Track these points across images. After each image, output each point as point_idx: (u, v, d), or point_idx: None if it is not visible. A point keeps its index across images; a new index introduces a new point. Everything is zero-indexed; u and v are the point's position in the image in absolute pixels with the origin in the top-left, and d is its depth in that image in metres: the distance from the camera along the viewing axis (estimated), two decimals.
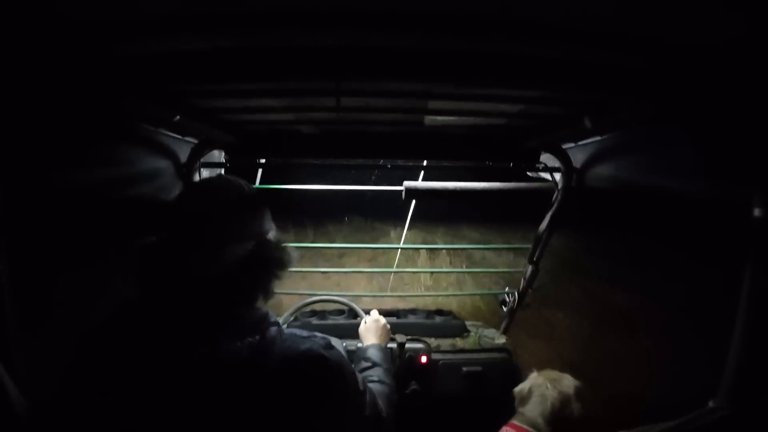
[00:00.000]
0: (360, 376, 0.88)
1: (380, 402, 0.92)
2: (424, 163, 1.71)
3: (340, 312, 2.08)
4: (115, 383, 0.68)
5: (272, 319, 0.78)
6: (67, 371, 0.71)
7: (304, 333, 0.79)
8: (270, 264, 0.80)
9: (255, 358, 0.70)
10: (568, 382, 1.42)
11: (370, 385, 0.98)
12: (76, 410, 0.69)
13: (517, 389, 1.48)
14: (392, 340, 1.88)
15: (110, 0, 0.61)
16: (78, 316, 0.89)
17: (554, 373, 1.46)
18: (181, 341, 0.69)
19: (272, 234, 0.83)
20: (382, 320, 1.42)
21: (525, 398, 1.42)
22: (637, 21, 0.66)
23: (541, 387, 1.41)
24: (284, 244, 0.84)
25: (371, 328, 1.38)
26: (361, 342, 1.37)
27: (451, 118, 1.35)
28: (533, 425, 1.33)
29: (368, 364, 1.15)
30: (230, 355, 0.69)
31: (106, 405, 0.67)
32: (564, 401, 1.37)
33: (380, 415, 0.89)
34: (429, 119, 1.37)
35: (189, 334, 0.69)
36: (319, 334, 0.81)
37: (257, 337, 0.72)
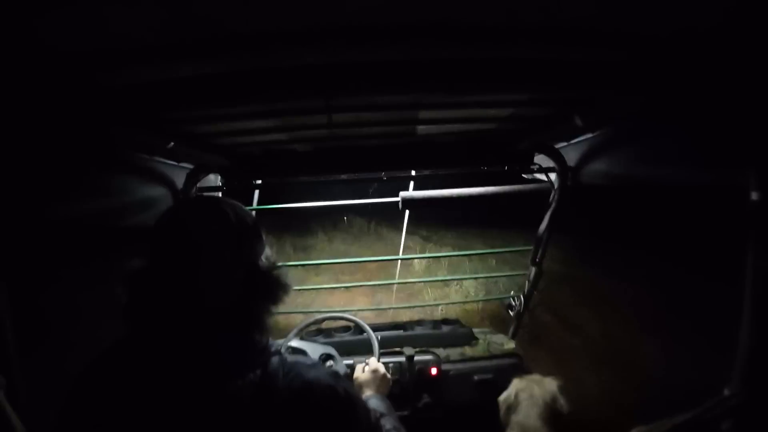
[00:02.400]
0: (372, 411, 0.83)
1: None
2: (413, 173, 1.71)
3: (346, 329, 2.06)
4: (113, 420, 0.65)
5: (273, 349, 0.73)
6: (65, 405, 0.69)
7: (308, 361, 0.74)
8: (265, 292, 0.74)
9: (259, 395, 0.65)
10: (550, 381, 1.42)
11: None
12: None
13: (501, 398, 1.46)
14: (400, 353, 1.86)
15: (97, 31, 0.61)
16: (75, 345, 0.89)
17: (534, 377, 1.46)
18: (179, 380, 0.65)
19: (265, 258, 0.77)
20: (381, 369, 1.30)
21: (513, 405, 1.41)
22: (616, 16, 0.67)
23: (527, 389, 1.40)
24: (278, 267, 0.78)
25: (369, 380, 1.25)
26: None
27: (442, 126, 1.36)
28: (533, 430, 1.32)
29: (376, 414, 1.01)
30: (232, 395, 0.64)
31: None
32: (552, 398, 1.37)
33: None
34: (421, 129, 1.38)
35: (187, 372, 0.66)
36: (324, 366, 0.76)
37: (258, 372, 0.67)
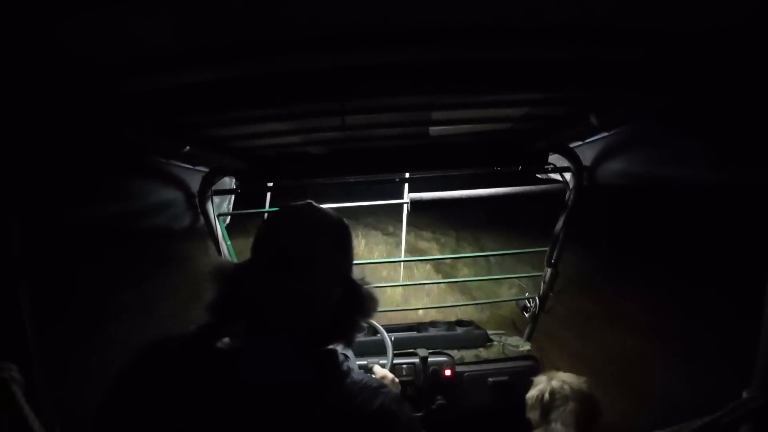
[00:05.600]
0: None
1: None
2: (407, 175, 1.70)
3: None
4: (168, 418, 0.63)
5: (346, 366, 0.73)
6: (115, 394, 0.67)
7: (374, 383, 0.72)
8: (359, 309, 0.74)
9: (333, 412, 0.65)
10: (581, 381, 1.34)
11: None
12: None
13: (532, 396, 1.36)
14: (414, 354, 1.86)
15: (118, 40, 0.63)
16: (95, 346, 0.91)
17: (562, 374, 1.38)
18: (255, 399, 0.64)
19: (354, 273, 0.77)
20: (389, 376, 1.30)
21: (547, 404, 1.30)
22: (636, 13, 0.66)
23: (562, 390, 1.30)
24: (369, 284, 0.77)
25: None
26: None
27: (456, 126, 1.35)
28: None
29: None
30: (312, 416, 0.64)
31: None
32: (590, 401, 1.29)
33: None
34: (434, 130, 1.37)
35: (265, 391, 0.65)
36: (387, 387, 0.73)
37: (334, 392, 0.67)
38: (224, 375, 0.65)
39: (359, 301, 0.74)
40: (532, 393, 1.37)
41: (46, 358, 0.85)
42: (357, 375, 0.72)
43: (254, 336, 0.68)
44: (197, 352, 0.68)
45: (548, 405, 1.31)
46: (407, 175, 1.68)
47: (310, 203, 0.75)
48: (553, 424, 1.27)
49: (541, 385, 1.36)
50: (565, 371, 1.40)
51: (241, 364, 0.66)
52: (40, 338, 0.84)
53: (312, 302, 0.68)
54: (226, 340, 0.68)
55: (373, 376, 1.29)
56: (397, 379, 1.30)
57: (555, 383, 1.34)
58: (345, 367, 0.72)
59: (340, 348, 0.75)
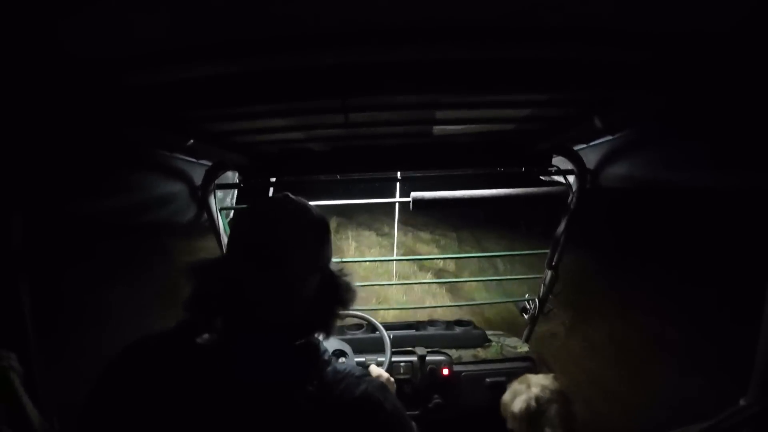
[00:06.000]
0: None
1: None
2: (398, 174, 1.70)
3: (359, 326, 2.07)
4: (153, 414, 0.63)
5: (327, 356, 0.74)
6: (98, 388, 0.68)
7: (357, 371, 0.73)
8: (337, 298, 0.75)
9: (316, 406, 0.65)
10: (551, 380, 1.34)
11: None
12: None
13: (522, 409, 1.31)
14: (412, 352, 1.86)
15: (119, 35, 0.63)
16: (94, 338, 0.92)
17: (533, 378, 1.37)
18: (237, 389, 0.64)
19: (333, 262, 0.78)
20: (384, 375, 1.29)
21: (536, 416, 1.27)
22: (640, 14, 0.65)
23: (544, 394, 1.29)
24: (347, 273, 0.78)
25: None
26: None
27: (459, 126, 1.35)
28: None
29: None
30: (292, 405, 0.64)
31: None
32: (568, 399, 1.30)
33: None
34: (437, 129, 1.37)
35: (248, 382, 0.65)
36: (370, 376, 0.74)
37: (315, 383, 0.67)
38: (204, 372, 0.65)
39: (337, 291, 0.75)
40: (520, 406, 1.32)
41: (45, 348, 0.86)
42: (340, 365, 0.72)
43: (233, 331, 0.68)
44: (178, 349, 0.67)
45: (535, 414, 1.29)
46: (398, 174, 1.68)
47: (287, 195, 0.75)
48: (546, 430, 1.26)
49: (524, 396, 1.34)
50: (561, 373, 1.39)
51: (222, 360, 0.66)
52: (39, 328, 0.84)
53: (289, 292, 0.69)
54: (206, 336, 0.68)
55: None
56: (392, 379, 1.30)
57: (535, 390, 1.32)
58: (326, 357, 0.73)
59: (321, 338, 0.76)
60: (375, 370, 1.32)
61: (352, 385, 0.69)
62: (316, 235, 0.73)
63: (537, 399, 1.30)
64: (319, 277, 0.73)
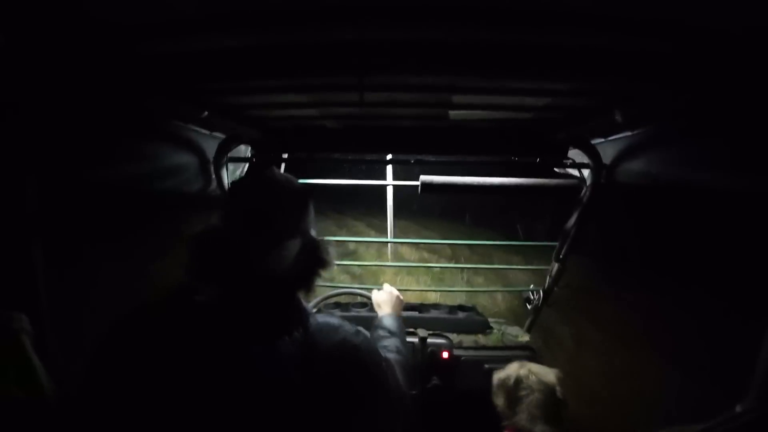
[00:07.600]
0: (382, 354, 0.92)
1: (398, 373, 0.95)
2: (389, 157, 1.68)
3: (363, 305, 2.10)
4: (157, 370, 0.68)
5: (309, 311, 0.82)
6: (98, 354, 0.72)
7: (334, 321, 0.82)
8: (317, 259, 0.83)
9: (303, 352, 0.73)
10: (548, 371, 1.33)
11: (388, 355, 1.01)
12: (109, 396, 0.69)
13: (499, 377, 1.36)
14: (414, 334, 1.89)
15: (140, 3, 0.62)
16: (105, 303, 0.94)
17: (533, 365, 1.36)
18: (235, 336, 0.71)
19: (314, 230, 0.87)
20: (395, 291, 1.44)
21: (513, 395, 1.29)
22: (669, 4, 0.63)
23: (528, 380, 1.29)
24: (327, 239, 0.87)
25: (386, 300, 1.39)
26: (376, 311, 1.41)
27: (475, 112, 1.33)
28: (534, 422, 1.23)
29: (385, 333, 1.20)
30: (282, 352, 0.71)
31: (144, 391, 0.68)
32: (553, 390, 1.28)
33: (401, 389, 0.93)
34: (453, 113, 1.35)
35: (244, 330, 0.72)
36: (348, 323, 0.84)
37: (301, 330, 0.75)
38: (204, 325, 0.72)
39: (317, 253, 0.83)
40: (499, 375, 1.37)
41: (57, 312, 0.88)
42: (321, 317, 0.82)
43: (229, 288, 0.75)
44: (180, 307, 0.74)
45: (513, 393, 1.29)
46: (389, 157, 1.67)
47: (272, 169, 0.85)
48: (519, 415, 1.25)
49: (509, 371, 1.36)
50: (560, 367, 1.39)
51: (220, 313, 0.73)
52: (51, 291, 0.86)
53: (276, 251, 0.77)
54: (201, 298, 0.74)
55: (383, 290, 1.44)
56: (402, 297, 1.43)
57: (522, 371, 1.33)
58: (308, 310, 0.82)
59: (302, 295, 0.84)
60: (388, 287, 1.46)
61: (332, 331, 0.79)
62: (298, 203, 0.83)
63: (517, 379, 1.30)
64: (300, 240, 0.81)
